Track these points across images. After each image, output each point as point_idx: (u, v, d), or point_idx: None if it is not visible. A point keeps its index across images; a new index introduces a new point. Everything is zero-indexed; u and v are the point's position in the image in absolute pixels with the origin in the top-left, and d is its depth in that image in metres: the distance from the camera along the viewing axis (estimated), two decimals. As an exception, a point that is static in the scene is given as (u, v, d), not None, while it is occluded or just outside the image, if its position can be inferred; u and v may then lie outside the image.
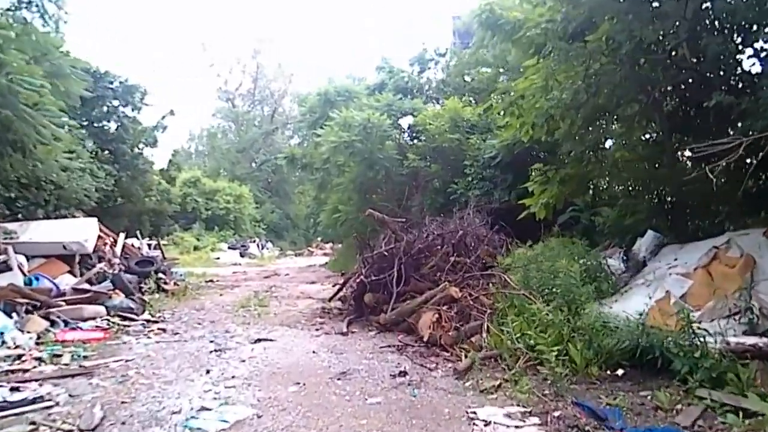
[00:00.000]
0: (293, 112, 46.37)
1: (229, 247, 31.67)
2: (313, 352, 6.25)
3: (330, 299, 9.68)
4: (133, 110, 18.92)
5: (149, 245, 16.11)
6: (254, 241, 34.34)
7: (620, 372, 4.89)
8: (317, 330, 7.74)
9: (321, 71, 67.42)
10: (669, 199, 9.13)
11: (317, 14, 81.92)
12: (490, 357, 5.54)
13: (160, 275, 14.23)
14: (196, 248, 30.29)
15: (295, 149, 23.68)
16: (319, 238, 37.51)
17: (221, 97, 51.88)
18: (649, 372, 4.80)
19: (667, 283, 6.20)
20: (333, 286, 12.18)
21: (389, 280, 8.05)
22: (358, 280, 8.21)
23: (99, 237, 14.37)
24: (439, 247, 8.62)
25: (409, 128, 19.18)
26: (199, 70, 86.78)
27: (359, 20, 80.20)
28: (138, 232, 16.07)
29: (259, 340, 6.95)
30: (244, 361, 5.93)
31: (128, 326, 8.24)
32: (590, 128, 7.98)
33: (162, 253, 15.87)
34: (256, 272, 19.57)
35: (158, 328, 8.15)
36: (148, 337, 7.50)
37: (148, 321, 8.75)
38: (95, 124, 17.24)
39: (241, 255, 30.09)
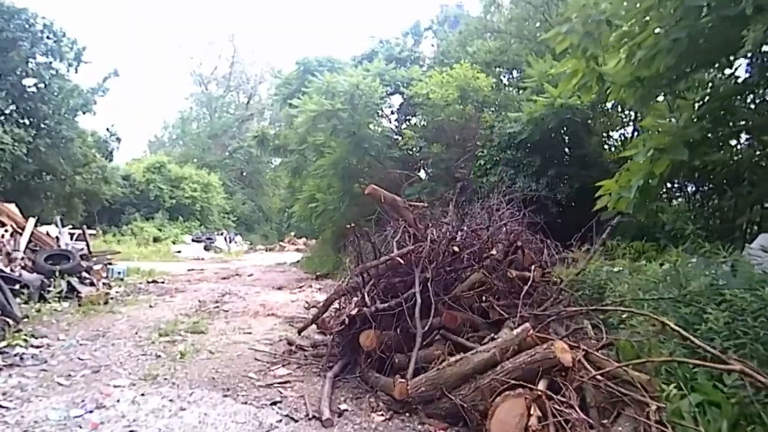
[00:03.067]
0: (271, 101, 42.03)
1: (193, 240, 27.50)
2: None
3: (300, 330, 5.82)
4: (69, 67, 14.42)
5: (71, 234, 11.97)
6: (222, 234, 30.07)
7: None
8: (274, 405, 3.90)
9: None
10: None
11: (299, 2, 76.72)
12: None
13: (84, 274, 10.36)
14: (156, 240, 26.11)
15: (266, 129, 19.65)
16: (292, 233, 33.46)
17: (195, 81, 47.11)
18: None
19: None
20: (307, 307, 8.35)
21: (408, 307, 4.29)
22: (354, 311, 4.35)
23: (-5, 220, 10.39)
24: (487, 251, 4.87)
25: (401, 106, 15.44)
26: (174, 56, 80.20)
27: (346, 13, 75.19)
28: (59, 219, 11.91)
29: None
30: None
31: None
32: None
33: (87, 245, 11.76)
34: (215, 270, 15.52)
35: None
36: None
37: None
38: (8, 76, 12.76)
39: (206, 248, 25.98)
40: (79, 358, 5.13)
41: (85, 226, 12.58)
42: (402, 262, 4.50)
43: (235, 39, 52.79)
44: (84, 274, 10.31)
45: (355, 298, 4.69)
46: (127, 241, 23.79)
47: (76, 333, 6.32)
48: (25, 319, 6.79)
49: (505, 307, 4.56)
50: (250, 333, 6.61)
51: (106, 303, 8.54)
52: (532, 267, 5.53)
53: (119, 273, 12.04)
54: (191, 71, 47.41)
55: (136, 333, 6.43)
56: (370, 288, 4.50)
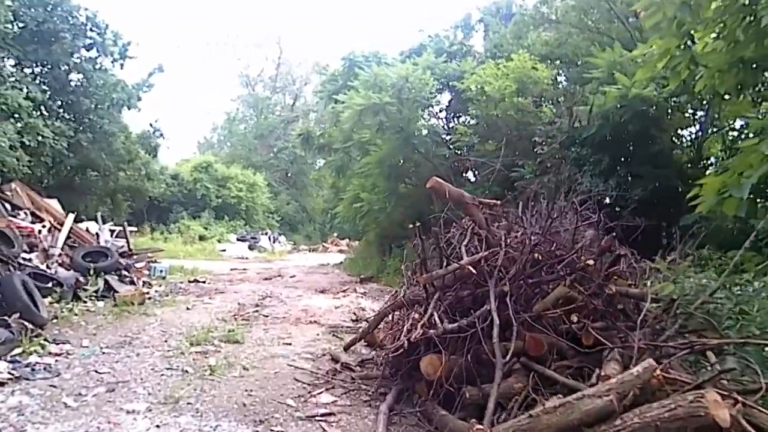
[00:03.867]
0: (316, 100, 41.65)
1: (237, 239, 27.28)
2: None
3: (347, 347, 4.99)
4: (113, 62, 14.12)
5: (112, 231, 11.58)
6: (266, 234, 29.79)
7: None
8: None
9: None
10: None
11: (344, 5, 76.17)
12: None
13: (124, 272, 9.90)
14: (201, 238, 26.01)
15: (311, 128, 19.03)
16: (335, 234, 32.88)
17: (242, 83, 47.38)
18: None
19: None
20: (355, 320, 7.45)
21: (483, 328, 3.39)
22: (418, 332, 3.46)
23: (35, 216, 10.07)
24: (579, 260, 3.89)
25: (450, 102, 14.48)
26: (222, 57, 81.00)
27: (394, 10, 74.05)
28: (100, 215, 11.57)
29: None
30: None
31: None
32: None
33: (127, 242, 11.35)
34: (258, 271, 14.95)
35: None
36: None
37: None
38: (49, 68, 12.47)
39: (250, 248, 25.71)
40: (96, 371, 4.46)
41: (126, 223, 12.18)
42: (474, 271, 3.59)
43: (281, 41, 52.72)
44: (124, 272, 9.85)
45: (414, 314, 3.80)
46: (174, 239, 23.74)
47: (102, 338, 5.71)
48: (54, 320, 6.27)
49: (601, 330, 3.58)
50: (290, 344, 5.83)
51: (141, 303, 7.95)
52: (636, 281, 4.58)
53: (161, 271, 11.56)
54: (239, 73, 47.74)
55: (166, 341, 5.76)
56: (435, 302, 3.60)
